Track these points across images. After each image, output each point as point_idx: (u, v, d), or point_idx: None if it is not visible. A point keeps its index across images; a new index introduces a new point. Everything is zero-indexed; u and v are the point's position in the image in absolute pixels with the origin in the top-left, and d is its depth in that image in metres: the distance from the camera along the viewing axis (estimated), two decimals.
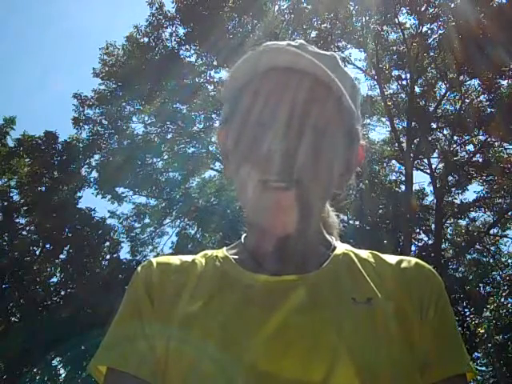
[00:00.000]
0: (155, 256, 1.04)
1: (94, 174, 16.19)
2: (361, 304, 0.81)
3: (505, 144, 15.31)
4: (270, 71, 0.84)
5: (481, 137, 15.51)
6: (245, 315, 0.79)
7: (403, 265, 0.90)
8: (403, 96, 16.46)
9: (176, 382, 0.77)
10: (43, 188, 16.10)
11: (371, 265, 0.89)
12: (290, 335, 0.76)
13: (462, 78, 15.08)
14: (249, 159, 0.83)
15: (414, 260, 0.91)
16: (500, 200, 15.83)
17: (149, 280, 0.88)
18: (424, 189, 16.48)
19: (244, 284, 0.84)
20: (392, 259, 0.92)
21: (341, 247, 0.93)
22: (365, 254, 0.93)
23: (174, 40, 15.90)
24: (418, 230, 15.98)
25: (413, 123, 15.41)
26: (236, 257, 0.91)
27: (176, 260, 0.92)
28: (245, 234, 0.98)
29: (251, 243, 0.92)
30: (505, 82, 14.77)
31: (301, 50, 0.85)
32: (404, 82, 16.14)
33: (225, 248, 0.96)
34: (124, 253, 23.17)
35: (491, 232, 16.10)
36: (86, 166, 16.41)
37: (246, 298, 0.81)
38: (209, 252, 0.95)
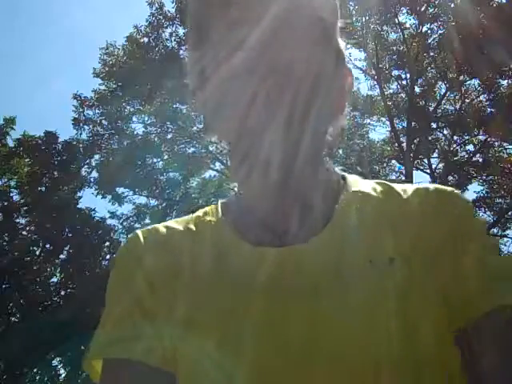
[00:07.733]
0: None
1: (94, 174, 16.23)
2: (380, 266, 0.69)
3: (505, 144, 15.31)
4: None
5: (481, 137, 15.51)
6: (245, 304, 0.70)
7: (420, 198, 0.76)
8: (403, 96, 16.44)
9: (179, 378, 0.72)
10: (43, 188, 16.09)
11: (385, 205, 0.76)
12: (292, 329, 0.68)
13: (462, 78, 15.07)
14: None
15: (431, 187, 0.78)
16: (500, 200, 15.82)
17: (140, 258, 0.78)
18: None
19: (244, 262, 0.73)
20: (406, 191, 0.78)
21: (348, 188, 0.79)
22: (375, 191, 0.79)
23: (174, 40, 15.90)
24: None
25: (413, 123, 15.40)
26: (233, 220, 0.79)
27: (165, 230, 0.81)
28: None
29: (247, 198, 0.80)
30: (505, 82, 14.79)
31: None
32: (404, 82, 16.14)
33: (220, 204, 0.83)
34: None
35: (491, 232, 16.08)
36: (86, 166, 16.43)
37: (247, 283, 0.71)
38: (201, 214, 0.83)
